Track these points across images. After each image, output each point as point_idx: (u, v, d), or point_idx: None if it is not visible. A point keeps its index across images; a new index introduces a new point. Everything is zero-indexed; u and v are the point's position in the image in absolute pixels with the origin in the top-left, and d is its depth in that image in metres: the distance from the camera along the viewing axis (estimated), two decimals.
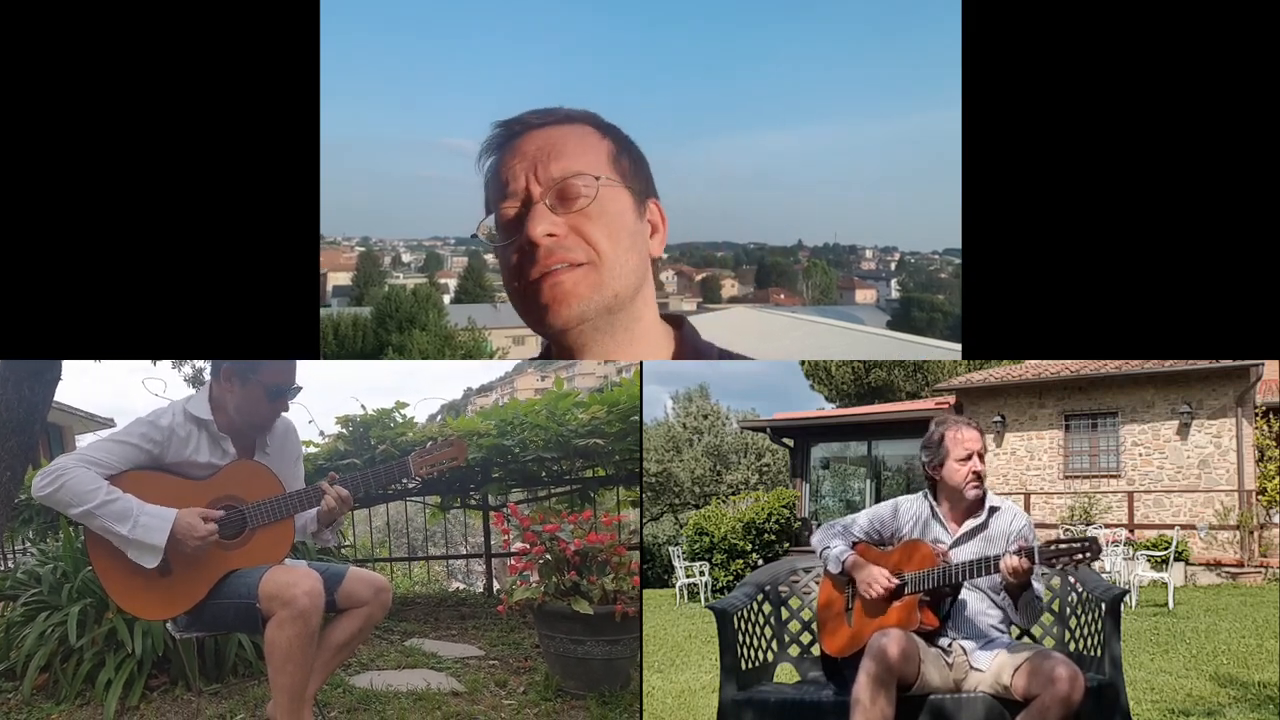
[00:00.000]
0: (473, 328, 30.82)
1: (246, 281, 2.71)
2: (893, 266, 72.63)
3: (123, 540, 2.48)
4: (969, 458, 2.61)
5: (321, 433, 5.90)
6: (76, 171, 2.64)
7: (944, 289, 55.84)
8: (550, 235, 1.35)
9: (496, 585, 6.27)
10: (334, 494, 2.61)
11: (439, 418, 6.77)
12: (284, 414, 2.76)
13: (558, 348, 1.46)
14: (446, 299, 40.18)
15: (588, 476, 5.58)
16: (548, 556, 3.85)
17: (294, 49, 2.66)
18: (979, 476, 2.61)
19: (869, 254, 76.90)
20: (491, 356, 30.33)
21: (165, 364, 7.54)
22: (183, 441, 2.60)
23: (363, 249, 59.39)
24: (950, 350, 16.89)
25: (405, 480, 2.69)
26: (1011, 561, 2.42)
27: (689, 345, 1.52)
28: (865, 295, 60.42)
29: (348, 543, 6.65)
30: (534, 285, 1.37)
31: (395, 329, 28.62)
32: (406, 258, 69.94)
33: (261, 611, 2.46)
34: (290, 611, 2.43)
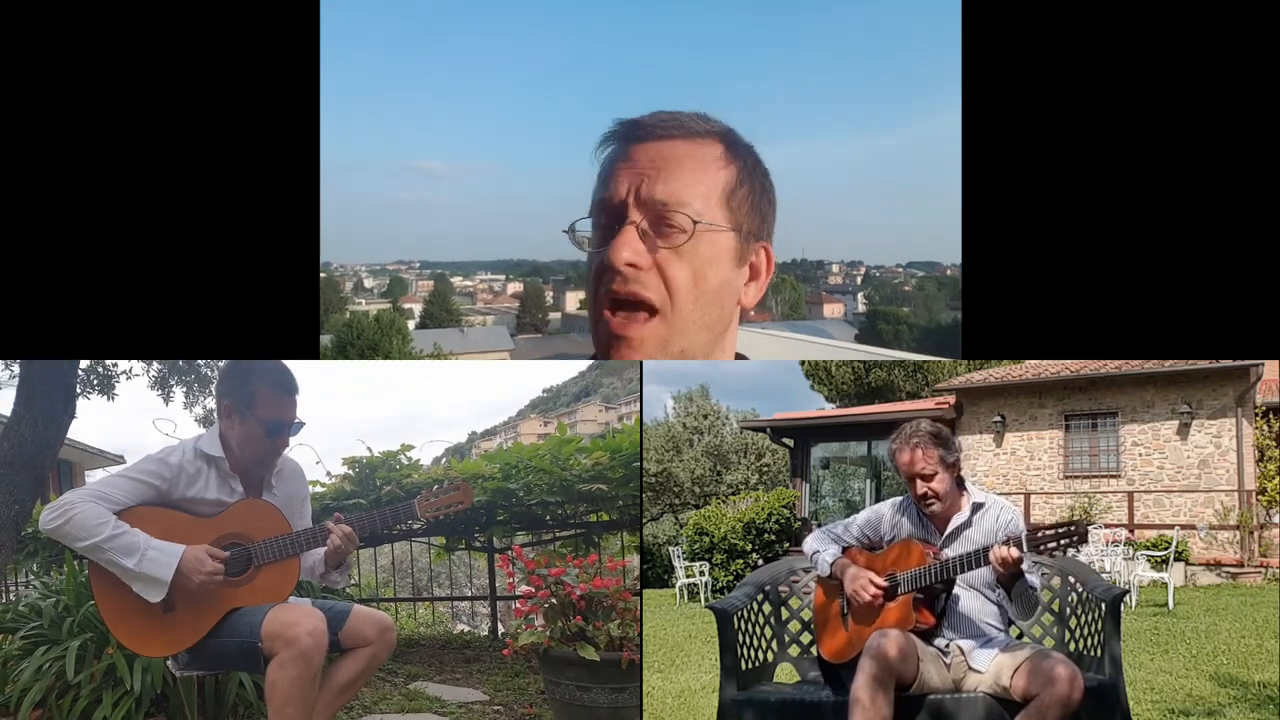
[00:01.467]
0: (439, 354, 30.52)
1: (245, 285, 2.71)
2: (859, 280, 73.87)
3: (128, 574, 2.46)
4: (912, 481, 2.63)
5: (329, 473, 5.95)
6: (78, 176, 2.64)
7: (908, 301, 56.46)
8: (631, 265, 1.25)
9: (501, 628, 6.23)
10: (339, 532, 2.60)
11: (444, 460, 6.78)
12: (289, 454, 2.75)
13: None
14: (411, 324, 39.93)
15: (591, 521, 5.60)
16: (553, 600, 3.79)
17: (292, 59, 2.66)
18: (926, 499, 2.62)
19: (835, 269, 78.13)
20: None
21: (177, 404, 7.63)
22: (191, 479, 2.59)
23: (323, 275, 58.55)
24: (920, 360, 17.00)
25: (411, 522, 2.69)
26: (1000, 551, 2.42)
27: None
28: (833, 310, 61.21)
29: (353, 582, 6.63)
30: (604, 317, 1.28)
31: (357, 357, 28.48)
32: (369, 283, 69.53)
33: (264, 651, 2.43)
34: (293, 651, 2.39)
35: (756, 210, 1.33)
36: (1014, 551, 2.41)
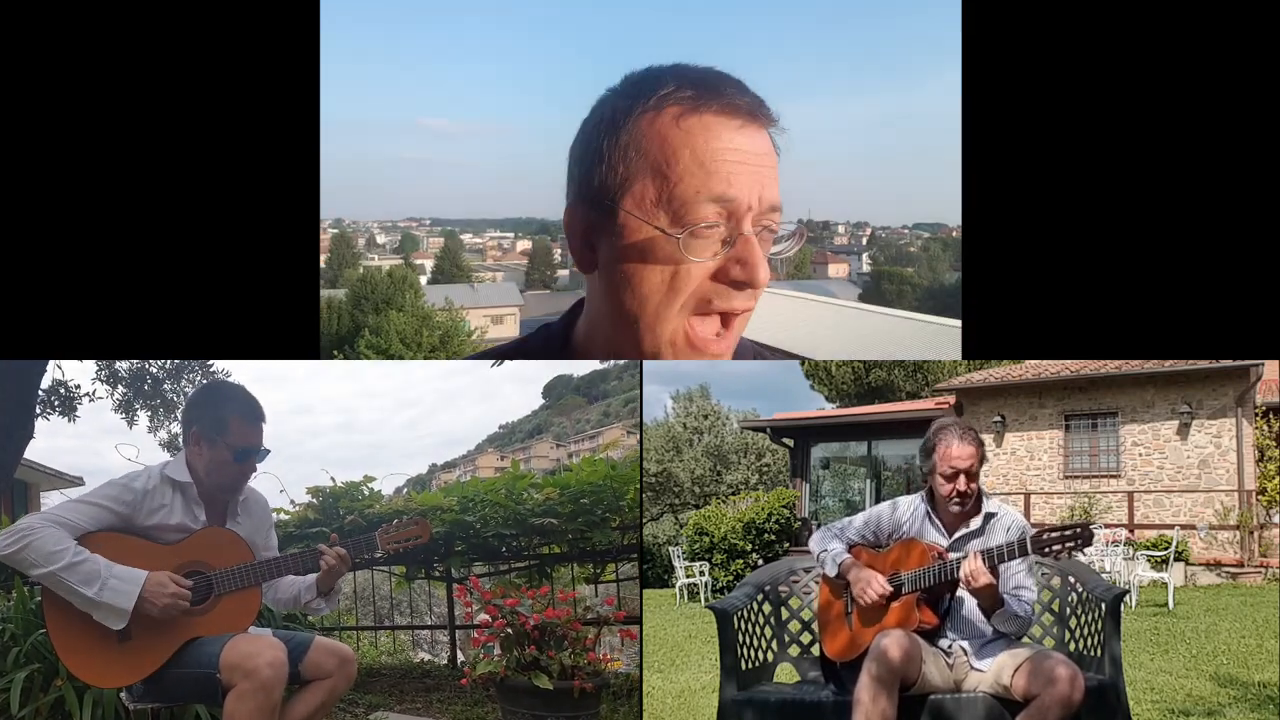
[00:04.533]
0: (450, 308, 30.84)
1: (244, 279, 2.70)
2: (864, 241, 74.50)
3: (88, 603, 2.39)
4: (954, 476, 2.57)
5: (292, 502, 6.02)
6: (71, 168, 2.64)
7: (913, 262, 56.86)
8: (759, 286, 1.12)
9: (461, 657, 6.31)
10: (332, 554, 2.59)
11: (405, 491, 6.93)
12: (253, 484, 2.72)
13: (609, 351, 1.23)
14: (423, 279, 40.57)
15: (544, 553, 5.79)
16: (509, 630, 3.88)
17: (291, 33, 2.66)
18: (963, 496, 2.57)
19: (841, 229, 78.72)
20: (470, 336, 30.31)
21: (141, 428, 7.57)
22: (155, 505, 2.54)
23: (335, 230, 57.62)
24: (922, 320, 17.10)
25: (372, 553, 2.72)
26: (969, 565, 2.41)
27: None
28: (838, 269, 61.94)
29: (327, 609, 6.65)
30: (691, 323, 1.16)
31: (371, 310, 28.68)
32: (381, 239, 70.30)
33: (222, 682, 2.38)
34: (252, 684, 2.34)
35: None
36: (982, 573, 2.39)
